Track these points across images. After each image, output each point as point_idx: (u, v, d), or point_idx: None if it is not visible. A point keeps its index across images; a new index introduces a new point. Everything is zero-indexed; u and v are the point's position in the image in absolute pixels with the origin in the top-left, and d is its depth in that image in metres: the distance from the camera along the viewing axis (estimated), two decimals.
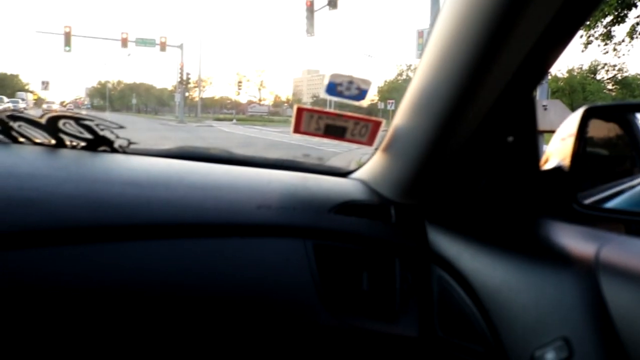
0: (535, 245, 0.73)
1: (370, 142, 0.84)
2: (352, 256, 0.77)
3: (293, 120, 0.82)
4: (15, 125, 0.81)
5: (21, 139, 0.82)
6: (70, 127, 0.83)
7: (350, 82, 0.77)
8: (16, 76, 72.33)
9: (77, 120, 0.83)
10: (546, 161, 0.91)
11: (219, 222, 0.73)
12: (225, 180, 0.84)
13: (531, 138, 0.81)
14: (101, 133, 0.85)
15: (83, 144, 0.84)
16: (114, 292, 0.64)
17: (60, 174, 0.73)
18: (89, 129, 0.84)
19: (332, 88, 0.77)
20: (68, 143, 0.84)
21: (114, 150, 0.86)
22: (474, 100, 0.66)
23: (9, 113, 0.83)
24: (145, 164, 0.85)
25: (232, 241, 0.72)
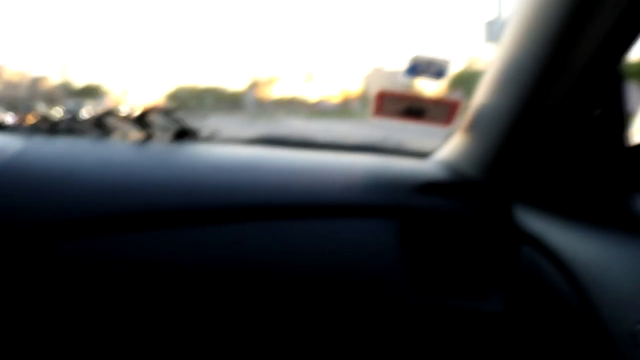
0: (627, 219, 0.71)
1: (449, 122, 0.85)
2: (437, 235, 0.78)
3: (374, 104, 0.85)
4: (109, 121, 0.89)
5: (115, 134, 0.89)
6: (158, 119, 0.90)
7: (431, 63, 0.78)
8: (98, 86, 76.53)
9: (165, 112, 0.90)
10: (634, 136, 0.88)
11: (306, 204, 0.75)
12: (308, 164, 0.85)
13: (618, 111, 0.79)
14: (187, 125, 0.90)
15: (170, 135, 0.90)
16: (210, 273, 0.68)
17: (153, 163, 0.78)
18: (175, 121, 0.90)
19: (413, 69, 0.79)
20: (157, 135, 0.89)
21: (199, 141, 0.91)
22: (560, 73, 0.65)
23: (104, 111, 0.91)
24: (231, 151, 0.88)
25: (319, 222, 0.74)
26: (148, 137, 0.89)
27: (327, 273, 0.71)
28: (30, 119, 0.94)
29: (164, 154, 0.83)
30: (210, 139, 0.93)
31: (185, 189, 0.73)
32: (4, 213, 0.68)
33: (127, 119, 0.90)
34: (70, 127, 0.91)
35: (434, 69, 0.79)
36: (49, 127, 0.90)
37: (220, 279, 0.68)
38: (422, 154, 0.99)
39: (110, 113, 0.91)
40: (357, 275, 0.72)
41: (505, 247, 0.78)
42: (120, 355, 0.68)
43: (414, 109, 0.85)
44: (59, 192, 0.70)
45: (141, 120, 0.89)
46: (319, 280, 0.71)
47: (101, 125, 0.90)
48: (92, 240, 0.67)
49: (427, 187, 0.82)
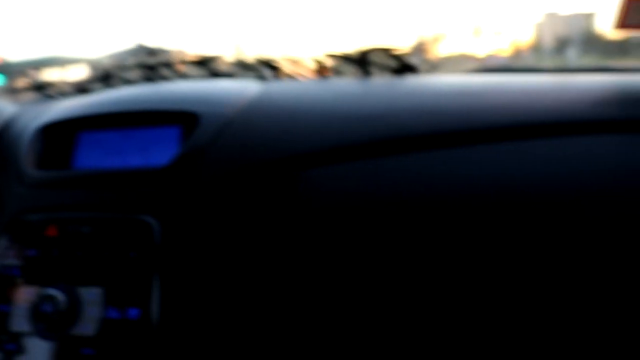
0: None
1: None
2: None
3: (618, 12, 0.78)
4: (329, 64, 0.95)
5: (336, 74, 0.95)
6: (378, 58, 0.93)
7: None
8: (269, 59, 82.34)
9: (384, 51, 0.92)
10: None
11: (552, 121, 0.70)
12: (546, 84, 0.79)
13: None
14: (406, 60, 0.91)
15: (390, 72, 0.92)
16: (460, 198, 0.66)
17: (377, 94, 0.79)
18: (395, 58, 0.92)
19: None
20: (377, 72, 0.93)
21: (416, 73, 0.92)
22: None
23: (327, 54, 0.96)
24: (458, 79, 0.86)
25: (570, 140, 0.69)
26: (367, 74, 0.92)
27: (588, 192, 0.66)
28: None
29: (387, 86, 0.84)
30: (431, 72, 0.93)
31: (419, 114, 0.72)
32: (247, 149, 0.72)
33: (347, 59, 0.94)
34: (291, 70, 0.97)
35: None
36: (272, 72, 0.97)
37: (469, 204, 0.66)
38: None
39: (332, 56, 0.95)
40: (622, 195, 0.65)
41: None
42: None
43: None
44: (299, 127, 0.73)
45: (361, 60, 0.92)
46: (580, 203, 0.65)
47: (322, 69, 0.96)
48: (333, 168, 0.70)
49: None
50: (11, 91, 1.17)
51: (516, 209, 0.65)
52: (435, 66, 0.95)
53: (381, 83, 0.86)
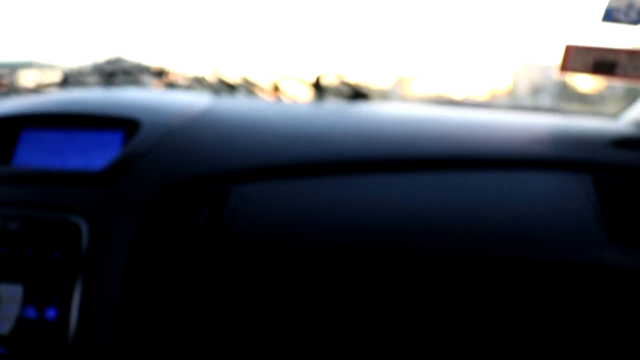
0: None
1: None
2: (635, 190, 0.72)
3: (561, 58, 0.81)
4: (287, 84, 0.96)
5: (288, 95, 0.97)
6: (331, 83, 0.95)
7: (630, 6, 0.73)
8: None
9: (340, 77, 0.95)
10: None
11: (489, 155, 0.73)
12: (490, 120, 0.82)
13: None
14: (359, 87, 0.94)
15: (344, 97, 0.94)
16: (383, 222, 0.67)
17: (328, 117, 0.81)
18: (348, 84, 0.95)
19: (608, 14, 0.74)
20: (331, 97, 0.95)
21: (368, 100, 0.94)
22: None
23: (281, 75, 0.98)
24: (405, 108, 0.89)
25: (503, 174, 0.72)
26: (321, 99, 0.94)
27: (512, 228, 0.68)
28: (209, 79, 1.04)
29: (338, 110, 0.85)
30: (383, 99, 0.96)
31: (360, 139, 0.74)
32: (184, 161, 0.73)
33: (302, 82, 0.96)
34: (248, 89, 0.98)
35: (633, 15, 0.74)
36: (228, 89, 0.98)
37: (395, 228, 0.68)
38: (608, 115, 0.93)
39: (288, 77, 0.98)
40: (547, 231, 0.68)
41: None
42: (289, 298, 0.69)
43: (604, 62, 0.80)
44: (240, 142, 0.74)
45: (315, 84, 0.95)
46: (503, 237, 0.67)
47: (277, 87, 0.98)
48: (268, 184, 0.70)
49: (621, 142, 0.76)
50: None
51: (444, 238, 0.67)
52: (388, 95, 0.96)
53: (330, 107, 0.88)
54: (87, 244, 0.68)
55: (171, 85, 1.04)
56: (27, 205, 0.72)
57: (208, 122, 0.78)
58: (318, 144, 0.73)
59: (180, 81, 1.05)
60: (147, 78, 1.07)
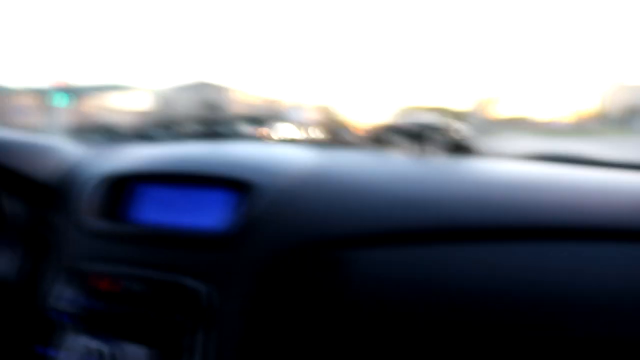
0: None
1: None
2: None
3: None
4: (387, 135, 0.99)
5: (390, 147, 0.98)
6: (433, 134, 0.97)
7: None
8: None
9: (441, 128, 0.97)
10: None
11: (595, 225, 0.69)
12: (595, 182, 0.79)
13: None
14: (462, 139, 0.96)
15: (445, 149, 0.95)
16: (490, 294, 0.66)
17: (432, 178, 0.80)
18: (451, 136, 0.97)
19: None
20: (432, 149, 0.95)
21: (474, 155, 0.94)
22: None
23: (384, 125, 1.01)
24: (510, 167, 0.86)
25: (612, 246, 0.68)
26: (423, 151, 0.95)
27: (620, 303, 0.64)
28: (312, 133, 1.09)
29: (446, 169, 0.84)
30: (486, 154, 0.96)
31: (470, 206, 0.72)
32: (296, 225, 0.75)
33: (405, 133, 0.97)
34: (347, 139, 1.02)
35: None
36: (331, 139, 1.02)
37: (502, 299, 0.65)
38: None
39: (390, 128, 1.00)
40: None
41: None
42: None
43: None
44: (351, 206, 0.75)
45: (417, 135, 0.96)
46: (607, 310, 0.64)
47: (379, 139, 1.00)
48: (378, 251, 0.71)
49: None
50: (78, 131, 1.31)
51: (554, 313, 0.65)
52: (491, 147, 0.97)
53: (435, 165, 0.87)
54: (207, 307, 0.73)
55: (274, 137, 1.09)
56: (149, 266, 0.77)
57: (317, 183, 0.79)
58: (429, 210, 0.72)
59: (281, 130, 1.11)
60: (246, 126, 1.15)
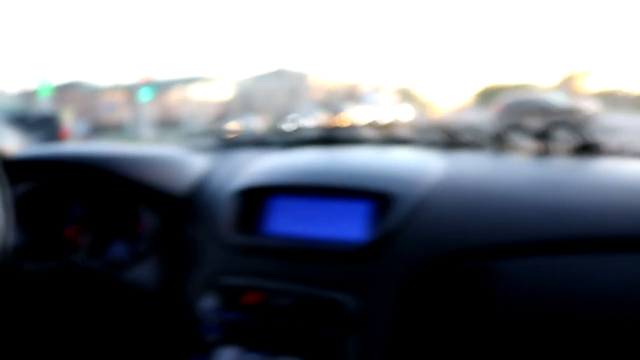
0: None
1: None
2: None
3: None
4: (507, 134, 0.94)
5: (512, 147, 0.93)
6: (558, 132, 0.90)
7: None
8: (407, 89, 75.27)
9: (568, 125, 0.90)
10: None
11: None
12: None
13: None
14: (590, 138, 0.89)
15: (571, 149, 0.89)
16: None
17: (557, 181, 0.77)
18: (578, 134, 0.89)
19: None
20: (557, 148, 0.90)
21: (603, 155, 0.87)
22: None
23: (507, 125, 0.95)
24: None
25: None
26: (546, 151, 0.90)
27: None
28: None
29: (570, 172, 0.81)
30: (618, 153, 0.89)
31: (604, 212, 0.69)
32: (436, 235, 0.74)
33: (528, 132, 0.93)
34: (467, 140, 0.97)
35: None
36: (452, 141, 0.97)
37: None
38: None
39: (513, 127, 0.95)
40: None
41: None
42: None
43: None
44: (491, 214, 0.73)
45: (542, 135, 0.91)
46: None
47: (500, 139, 0.94)
48: (525, 260, 0.69)
49: None
50: (193, 136, 1.28)
51: None
52: (623, 145, 0.89)
53: (564, 167, 0.83)
54: (354, 319, 0.73)
55: (391, 140, 1.06)
56: (293, 279, 0.78)
57: (450, 192, 0.78)
58: (568, 219, 0.70)
59: (400, 133, 1.08)
60: (366, 131, 1.11)
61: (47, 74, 19.86)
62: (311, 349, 0.76)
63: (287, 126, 1.90)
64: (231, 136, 1.24)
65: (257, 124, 21.42)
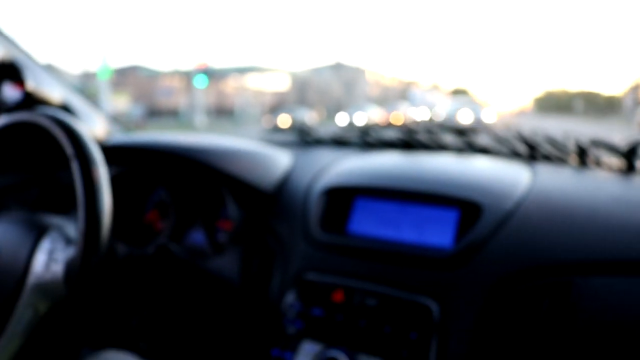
0: None
1: None
2: None
3: None
4: (591, 149, 0.93)
5: (594, 163, 0.92)
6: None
7: None
8: (464, 90, 73.88)
9: None
10: None
11: None
12: None
13: None
14: None
15: None
16: None
17: None
18: None
19: None
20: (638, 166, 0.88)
21: None
22: None
23: (591, 140, 0.93)
24: None
25: None
26: (632, 169, 0.88)
27: None
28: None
29: None
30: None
31: None
32: (523, 247, 0.74)
33: (613, 149, 0.91)
34: (551, 152, 0.96)
35: None
36: (533, 152, 0.96)
37: None
38: None
39: (597, 143, 0.93)
40: None
41: None
42: None
43: None
44: (577, 230, 0.73)
45: (627, 154, 0.89)
46: None
47: (584, 153, 0.93)
48: (610, 278, 0.68)
49: None
50: (274, 130, 1.32)
51: None
52: None
53: None
54: (438, 324, 0.74)
55: (471, 146, 1.05)
56: (379, 281, 0.79)
57: (539, 206, 0.78)
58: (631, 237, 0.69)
59: (480, 140, 1.07)
60: (446, 136, 1.11)
61: (107, 57, 20.61)
62: (393, 350, 0.75)
63: (361, 124, 1.83)
64: (312, 133, 1.24)
65: (310, 117, 21.55)
